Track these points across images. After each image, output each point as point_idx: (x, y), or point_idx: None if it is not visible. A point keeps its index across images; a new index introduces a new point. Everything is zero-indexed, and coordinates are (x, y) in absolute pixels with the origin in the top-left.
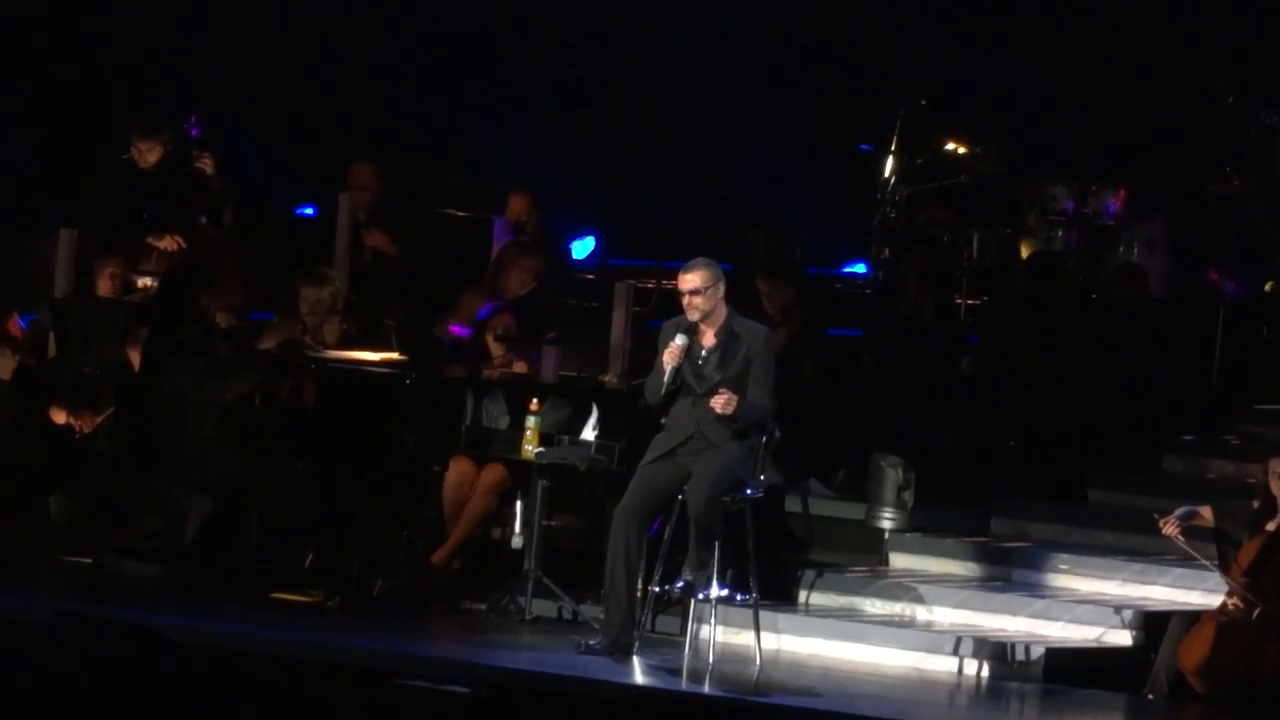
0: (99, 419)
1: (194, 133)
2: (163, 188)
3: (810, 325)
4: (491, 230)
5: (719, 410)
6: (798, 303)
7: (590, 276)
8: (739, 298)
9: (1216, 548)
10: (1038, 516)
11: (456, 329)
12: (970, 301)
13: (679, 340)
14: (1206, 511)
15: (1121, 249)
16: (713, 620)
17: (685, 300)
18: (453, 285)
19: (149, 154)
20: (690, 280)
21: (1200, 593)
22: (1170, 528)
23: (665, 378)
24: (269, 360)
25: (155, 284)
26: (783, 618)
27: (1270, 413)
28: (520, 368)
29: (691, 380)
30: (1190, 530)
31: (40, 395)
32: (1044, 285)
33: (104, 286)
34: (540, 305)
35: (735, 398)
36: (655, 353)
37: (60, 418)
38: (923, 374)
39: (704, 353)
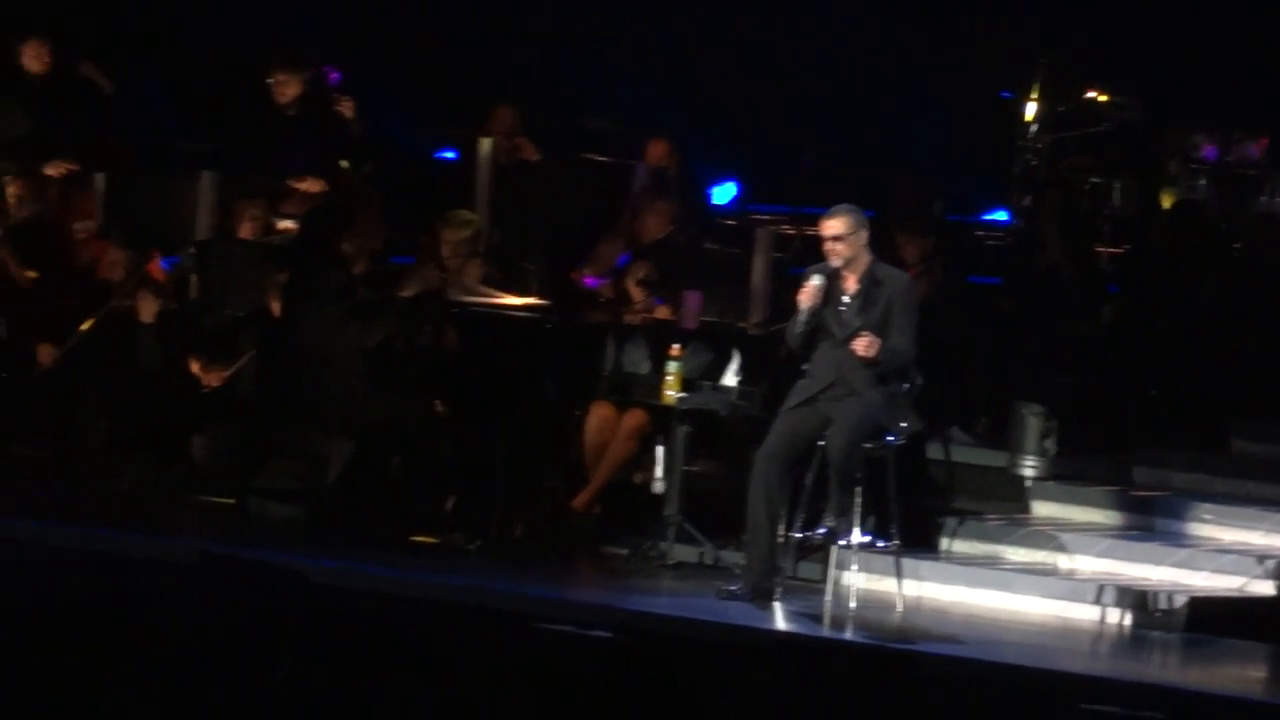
0: (227, 372)
1: (333, 78)
2: (303, 131)
3: (951, 275)
4: (632, 177)
5: (860, 352)
6: (936, 253)
7: (731, 222)
8: (882, 243)
9: None
10: (1180, 466)
11: (590, 280)
12: (1111, 250)
13: (815, 280)
14: None
15: (1263, 198)
16: (854, 567)
17: (827, 246)
18: (592, 232)
19: (287, 88)
20: (833, 226)
21: None
22: None
23: (801, 317)
24: (408, 306)
25: (296, 226)
26: (925, 565)
27: None
28: (662, 313)
29: (833, 326)
30: None
31: (182, 338)
32: (1186, 234)
33: (245, 229)
34: (678, 249)
35: (877, 340)
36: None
37: (194, 368)
38: (1063, 323)
39: (846, 299)
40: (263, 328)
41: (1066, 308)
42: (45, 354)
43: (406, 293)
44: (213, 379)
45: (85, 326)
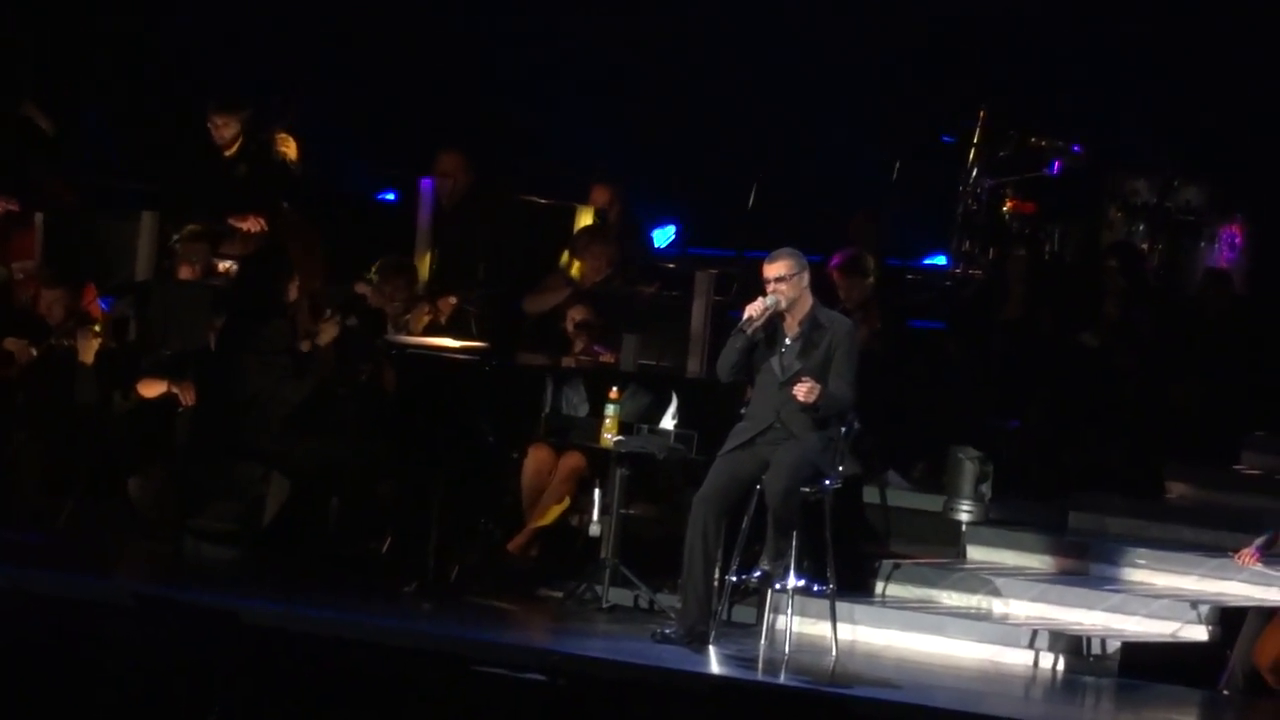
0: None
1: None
2: (244, 171)
3: (891, 320)
4: (574, 219)
5: (801, 398)
6: (875, 297)
7: (671, 265)
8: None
9: None
10: (1115, 511)
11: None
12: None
13: (768, 300)
14: None
15: (1203, 244)
16: (789, 610)
17: (769, 288)
18: (536, 273)
19: (225, 130)
20: (775, 268)
21: (1278, 589)
22: (1249, 559)
23: (744, 325)
24: (346, 343)
25: (236, 268)
26: (859, 608)
27: None
28: (603, 357)
29: (774, 369)
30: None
31: (122, 377)
32: (1123, 275)
33: (185, 270)
34: (616, 293)
35: (818, 386)
36: None
37: (155, 390)
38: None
39: (787, 341)
40: (203, 366)
41: (1036, 358)
42: (22, 350)
43: (323, 340)
44: (187, 394)
45: (21, 365)
